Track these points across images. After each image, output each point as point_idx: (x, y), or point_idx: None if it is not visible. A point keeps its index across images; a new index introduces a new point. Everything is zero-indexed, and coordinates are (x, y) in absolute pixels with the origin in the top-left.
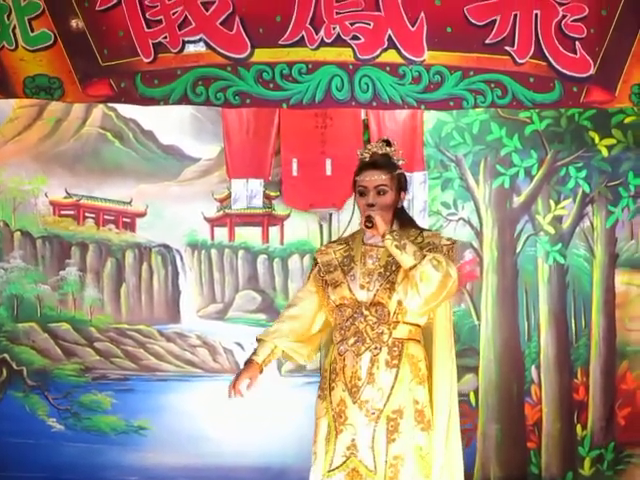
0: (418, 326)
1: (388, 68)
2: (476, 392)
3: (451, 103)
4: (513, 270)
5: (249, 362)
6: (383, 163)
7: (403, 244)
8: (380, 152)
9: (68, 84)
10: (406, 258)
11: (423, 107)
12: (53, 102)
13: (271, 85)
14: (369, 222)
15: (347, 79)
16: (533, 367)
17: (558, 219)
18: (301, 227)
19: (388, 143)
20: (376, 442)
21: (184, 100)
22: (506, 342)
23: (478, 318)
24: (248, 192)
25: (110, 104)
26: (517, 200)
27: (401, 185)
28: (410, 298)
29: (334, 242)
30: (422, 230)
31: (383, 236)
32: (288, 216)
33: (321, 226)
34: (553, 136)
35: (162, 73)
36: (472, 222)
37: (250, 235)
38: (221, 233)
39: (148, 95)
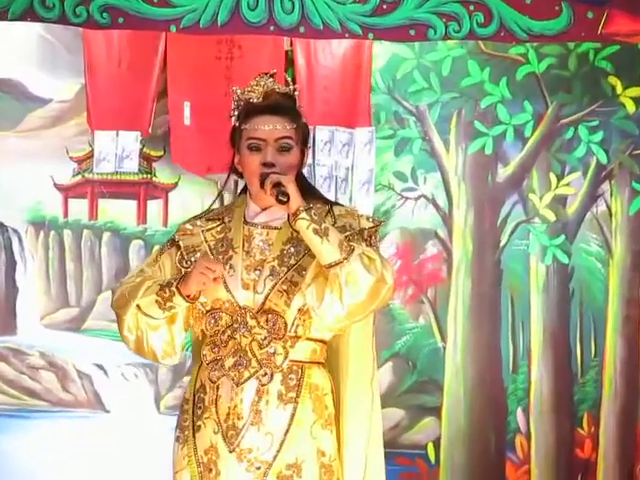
0: (324, 343)
1: None
2: (437, 444)
3: (412, 32)
4: (495, 272)
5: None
6: (287, 107)
7: (324, 229)
8: (279, 91)
9: None
10: (328, 250)
11: (371, 36)
12: None
13: None
14: (283, 195)
15: None
16: (519, 410)
17: (561, 201)
18: (192, 201)
19: (286, 82)
20: None
21: (29, 16)
22: (482, 374)
23: (443, 339)
24: (118, 150)
25: None
26: (503, 172)
27: (305, 141)
28: (328, 306)
29: (200, 217)
30: (332, 205)
31: (295, 214)
32: (175, 186)
33: (221, 198)
34: (557, 82)
35: None
36: (438, 202)
37: (120, 212)
38: (78, 208)
39: None
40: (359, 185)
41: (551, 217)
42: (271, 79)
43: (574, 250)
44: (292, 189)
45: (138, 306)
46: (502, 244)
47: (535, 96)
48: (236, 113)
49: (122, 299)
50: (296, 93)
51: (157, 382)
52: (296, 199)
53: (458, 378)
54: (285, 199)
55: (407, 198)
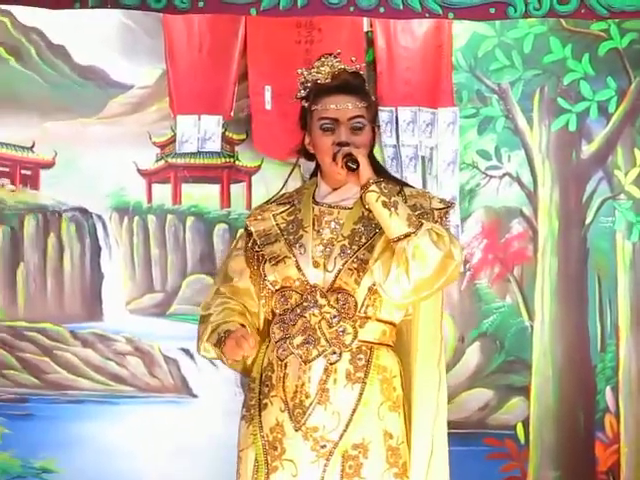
0: (393, 325)
1: None
2: (526, 424)
3: (492, 10)
4: (581, 249)
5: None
6: (357, 86)
7: (394, 202)
8: (349, 70)
9: None
10: (396, 223)
11: (452, 15)
12: None
13: None
14: (353, 162)
15: None
16: (608, 389)
17: None
18: (275, 184)
19: (351, 62)
20: None
21: (109, 2)
22: (570, 353)
23: (530, 318)
24: (201, 134)
25: (3, 6)
26: (587, 149)
27: (375, 119)
28: (394, 281)
29: (272, 202)
30: (403, 185)
31: (365, 187)
32: (258, 169)
33: (304, 182)
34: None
35: None
36: (522, 179)
37: (203, 196)
38: (162, 193)
39: None
40: (444, 165)
41: (637, 193)
42: (336, 59)
43: None
44: (363, 160)
45: (208, 341)
46: (588, 221)
47: (618, 72)
48: (303, 94)
49: (198, 332)
50: (359, 68)
51: None
52: (366, 170)
53: (546, 357)
54: (355, 166)
55: (491, 176)
